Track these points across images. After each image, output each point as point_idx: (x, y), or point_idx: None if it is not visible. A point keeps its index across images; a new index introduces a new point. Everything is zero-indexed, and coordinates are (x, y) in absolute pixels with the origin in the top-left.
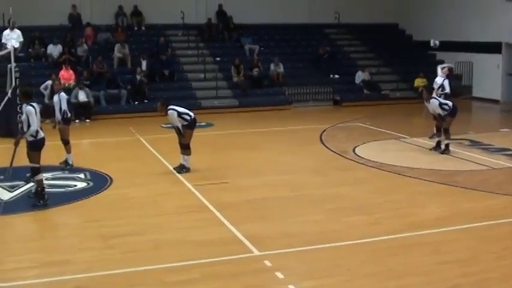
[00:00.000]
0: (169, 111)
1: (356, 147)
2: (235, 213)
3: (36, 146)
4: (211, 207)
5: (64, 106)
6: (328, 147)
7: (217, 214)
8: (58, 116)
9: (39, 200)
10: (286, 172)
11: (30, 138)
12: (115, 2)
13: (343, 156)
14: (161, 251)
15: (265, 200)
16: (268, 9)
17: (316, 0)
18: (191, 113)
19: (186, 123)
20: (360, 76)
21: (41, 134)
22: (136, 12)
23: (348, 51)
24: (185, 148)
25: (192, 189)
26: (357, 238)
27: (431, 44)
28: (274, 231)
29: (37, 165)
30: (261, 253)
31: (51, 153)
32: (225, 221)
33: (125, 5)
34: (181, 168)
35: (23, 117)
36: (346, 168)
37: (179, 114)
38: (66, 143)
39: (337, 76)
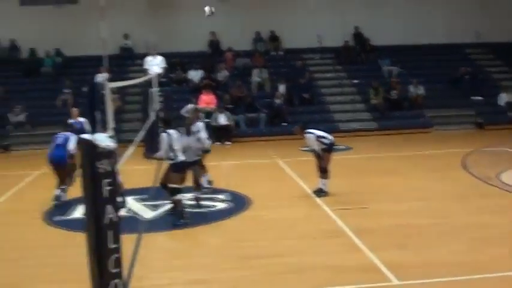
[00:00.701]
0: (307, 135)
1: (501, 173)
2: (374, 240)
3: (174, 168)
4: (350, 233)
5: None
6: (471, 173)
7: (355, 240)
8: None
9: (179, 218)
10: (427, 198)
11: (170, 161)
12: (252, 28)
13: (487, 182)
14: (301, 275)
15: (404, 226)
16: (406, 30)
17: (456, 19)
18: (330, 136)
19: (324, 146)
20: (504, 98)
21: (180, 158)
22: (274, 37)
23: (490, 72)
24: (323, 172)
25: (330, 213)
26: (503, 271)
27: (207, 13)
28: (414, 260)
29: (175, 186)
30: (400, 282)
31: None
32: (363, 247)
33: (262, 30)
34: (320, 192)
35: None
36: (490, 195)
37: (317, 137)
38: None
39: (479, 98)
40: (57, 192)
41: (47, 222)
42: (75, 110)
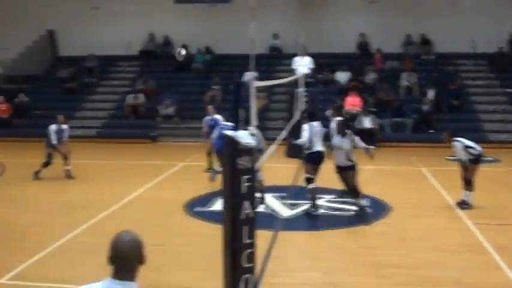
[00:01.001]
0: (454, 143)
1: None
2: None
3: (309, 159)
4: (490, 249)
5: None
6: None
7: (496, 257)
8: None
9: (312, 208)
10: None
11: (306, 151)
12: (403, 30)
13: None
14: None
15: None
16: None
17: None
18: (478, 147)
19: (472, 157)
20: None
21: (317, 148)
22: (425, 41)
23: None
24: (468, 183)
25: (472, 227)
26: None
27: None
28: None
29: (308, 176)
30: None
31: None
32: (504, 266)
33: (413, 33)
34: (463, 204)
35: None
36: None
37: (465, 146)
38: None
39: None
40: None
41: (187, 212)
42: (210, 107)
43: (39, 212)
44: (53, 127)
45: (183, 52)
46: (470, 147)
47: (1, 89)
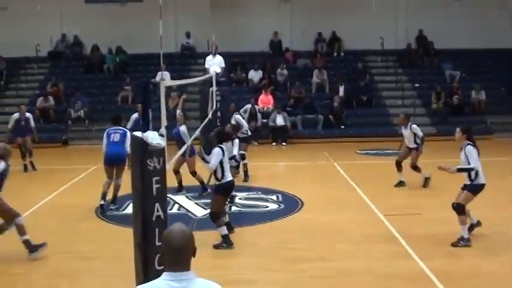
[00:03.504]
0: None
1: None
2: (425, 247)
3: (221, 191)
4: (401, 239)
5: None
6: None
7: (406, 246)
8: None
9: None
10: (484, 206)
11: (217, 182)
12: (314, 28)
13: None
14: (347, 279)
15: (455, 234)
16: (470, 34)
17: None
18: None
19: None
20: None
21: (228, 178)
22: (335, 38)
23: None
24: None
25: (382, 218)
26: None
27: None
28: (464, 269)
29: (218, 211)
30: None
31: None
32: (414, 255)
33: (324, 31)
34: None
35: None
36: None
37: None
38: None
39: None
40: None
41: (100, 216)
42: (139, 106)
43: None
44: None
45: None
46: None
47: None
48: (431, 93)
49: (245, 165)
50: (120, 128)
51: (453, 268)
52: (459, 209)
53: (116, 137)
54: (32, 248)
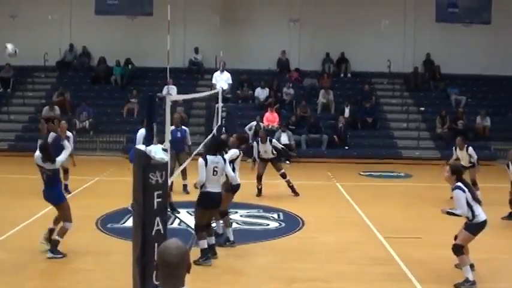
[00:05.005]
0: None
1: None
2: (424, 271)
3: (199, 201)
4: (400, 262)
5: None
6: None
7: (405, 270)
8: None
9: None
10: (484, 233)
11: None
12: (323, 48)
13: None
14: None
15: (456, 259)
16: (478, 60)
17: None
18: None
19: None
20: None
21: (209, 188)
22: (343, 59)
23: None
24: None
25: (383, 240)
26: None
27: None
28: None
29: (199, 223)
30: None
31: (250, 191)
32: (412, 278)
33: (331, 52)
34: None
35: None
36: None
37: None
38: None
39: None
40: None
41: (100, 228)
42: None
43: None
44: None
45: (10, 49)
46: None
47: None
48: (436, 117)
49: (288, 181)
50: None
51: None
52: (456, 250)
53: None
54: (55, 250)
